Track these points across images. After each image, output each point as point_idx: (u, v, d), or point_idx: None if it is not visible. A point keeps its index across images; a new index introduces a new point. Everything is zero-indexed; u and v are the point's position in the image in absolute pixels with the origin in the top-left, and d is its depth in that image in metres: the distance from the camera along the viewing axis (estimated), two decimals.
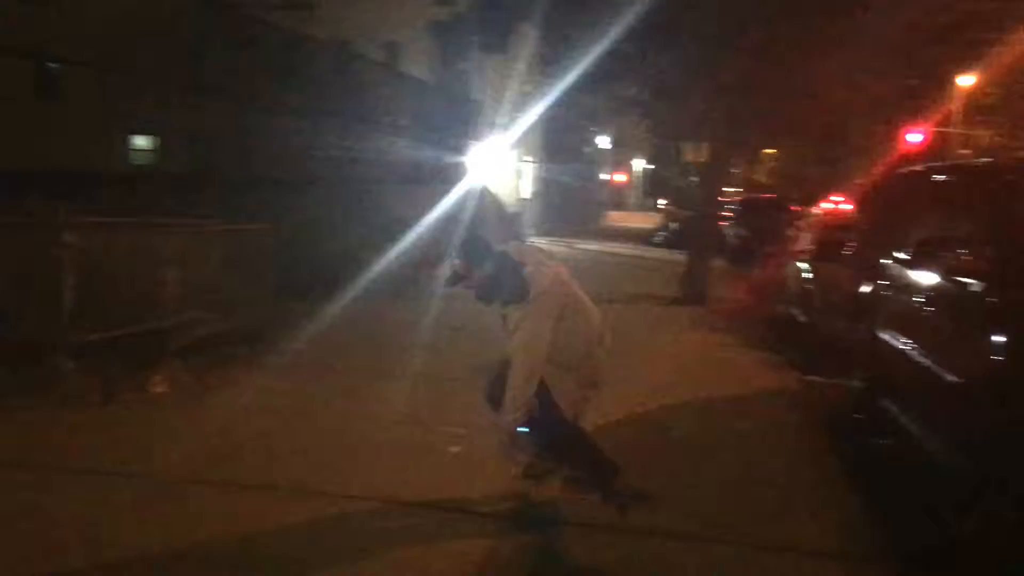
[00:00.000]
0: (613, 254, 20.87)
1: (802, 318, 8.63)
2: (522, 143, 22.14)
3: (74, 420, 5.48)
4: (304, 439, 5.30)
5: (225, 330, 7.34)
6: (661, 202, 39.08)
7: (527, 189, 24.63)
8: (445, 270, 12.55)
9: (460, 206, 17.30)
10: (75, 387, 5.96)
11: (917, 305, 4.73)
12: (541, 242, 23.03)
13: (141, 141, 13.43)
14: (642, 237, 24.80)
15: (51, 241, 6.23)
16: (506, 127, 20.57)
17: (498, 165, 21.68)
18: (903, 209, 5.75)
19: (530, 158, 24.16)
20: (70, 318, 6.10)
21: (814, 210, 13.56)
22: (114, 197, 8.62)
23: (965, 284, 4.11)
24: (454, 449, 5.20)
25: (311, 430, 5.50)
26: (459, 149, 19.96)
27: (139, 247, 7.01)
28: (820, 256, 8.20)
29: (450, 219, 16.21)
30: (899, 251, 5.26)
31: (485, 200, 20.25)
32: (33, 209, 6.72)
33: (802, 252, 9.26)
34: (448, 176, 18.35)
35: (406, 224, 13.64)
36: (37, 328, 6.09)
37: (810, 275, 8.74)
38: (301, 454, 5.02)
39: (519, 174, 24.02)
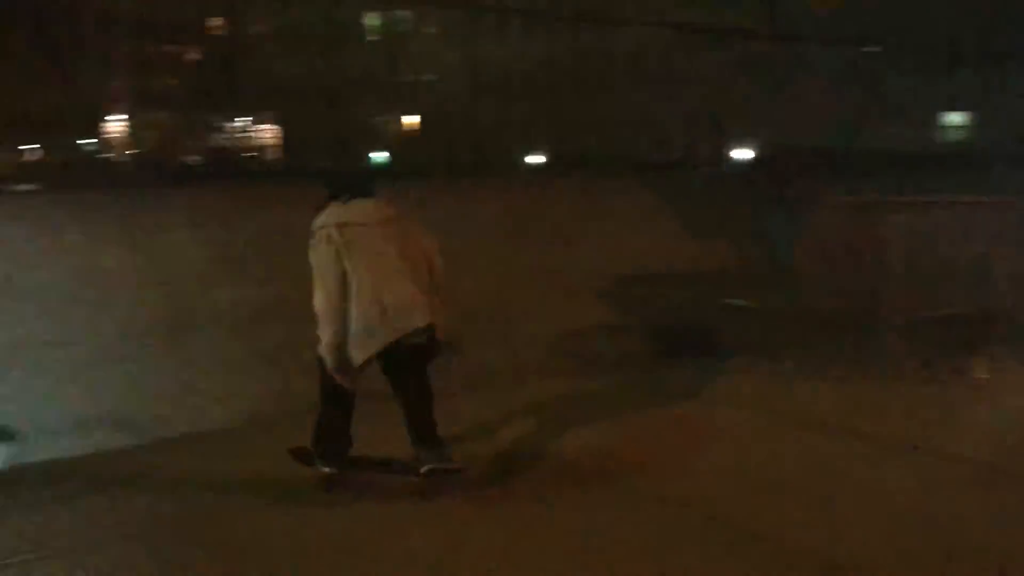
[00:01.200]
0: None
1: None
2: None
3: (890, 395, 5.55)
4: None
5: None
6: None
7: None
8: None
9: None
10: (897, 363, 6.10)
11: None
12: None
13: (955, 118, 13.03)
14: None
15: (877, 220, 6.49)
16: None
17: None
18: None
19: None
20: (896, 295, 6.27)
21: None
22: (928, 175, 8.60)
23: None
24: None
25: None
26: None
27: (958, 226, 6.82)
28: None
29: None
30: None
31: None
32: (856, 189, 7.12)
33: None
34: None
35: None
36: (864, 302, 6.42)
37: None
38: None
39: None
